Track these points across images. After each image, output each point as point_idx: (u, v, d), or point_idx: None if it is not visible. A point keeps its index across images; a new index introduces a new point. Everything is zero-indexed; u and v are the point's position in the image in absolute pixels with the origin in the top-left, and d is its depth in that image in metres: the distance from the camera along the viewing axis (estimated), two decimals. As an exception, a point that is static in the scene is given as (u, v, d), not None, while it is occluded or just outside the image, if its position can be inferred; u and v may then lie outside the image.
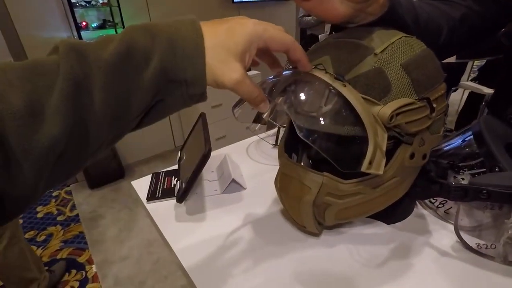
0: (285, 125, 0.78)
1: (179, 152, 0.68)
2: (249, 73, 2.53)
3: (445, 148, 0.54)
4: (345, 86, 0.33)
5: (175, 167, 0.68)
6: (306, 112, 0.35)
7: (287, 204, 0.44)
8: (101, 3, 1.96)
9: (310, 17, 3.04)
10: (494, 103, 0.72)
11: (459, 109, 3.12)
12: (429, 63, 0.37)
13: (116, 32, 2.07)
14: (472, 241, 0.43)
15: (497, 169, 0.44)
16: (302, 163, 0.51)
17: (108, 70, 0.23)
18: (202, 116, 0.63)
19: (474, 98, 2.32)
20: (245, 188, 0.60)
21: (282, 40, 0.30)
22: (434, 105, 0.36)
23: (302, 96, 0.36)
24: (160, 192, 0.58)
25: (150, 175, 0.65)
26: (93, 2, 1.93)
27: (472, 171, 0.48)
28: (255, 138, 0.81)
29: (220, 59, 0.27)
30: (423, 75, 0.35)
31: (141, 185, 0.63)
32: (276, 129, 0.80)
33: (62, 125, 0.21)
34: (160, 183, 0.61)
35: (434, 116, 0.36)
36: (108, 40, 0.24)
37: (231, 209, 0.55)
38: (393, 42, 0.36)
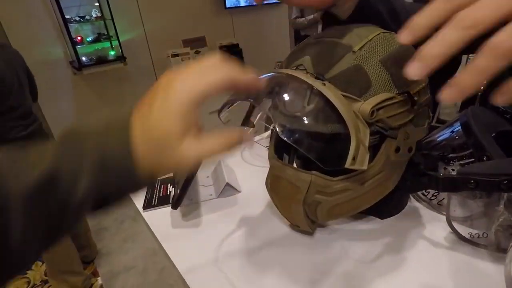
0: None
1: (174, 159, 0.68)
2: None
3: (436, 140, 0.54)
4: (324, 85, 0.33)
5: (171, 174, 0.68)
6: (290, 113, 0.35)
7: (278, 205, 0.45)
8: (95, 17, 1.98)
9: (303, 19, 3.05)
10: (487, 92, 0.72)
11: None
12: (408, 57, 0.37)
13: (111, 45, 2.09)
14: (464, 231, 0.43)
15: (485, 158, 0.44)
16: (294, 164, 0.52)
17: (27, 202, 0.22)
18: (194, 122, 0.64)
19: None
20: (240, 191, 0.60)
21: (219, 85, 0.24)
22: (415, 98, 0.36)
23: (285, 97, 0.36)
24: (156, 200, 0.59)
25: (146, 183, 0.66)
26: (87, 17, 1.96)
27: (462, 162, 0.48)
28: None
29: (166, 154, 0.23)
30: (402, 69, 0.36)
31: (138, 194, 0.63)
32: (270, 131, 0.81)
33: None
34: (156, 191, 0.62)
35: (416, 109, 0.37)
36: (33, 164, 0.23)
37: (226, 213, 0.55)
38: (371, 39, 0.36)
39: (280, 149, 0.49)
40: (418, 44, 0.45)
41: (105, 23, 2.03)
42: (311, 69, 0.36)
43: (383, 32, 0.38)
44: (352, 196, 0.39)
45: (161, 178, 0.67)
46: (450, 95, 0.20)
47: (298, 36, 3.46)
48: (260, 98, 0.39)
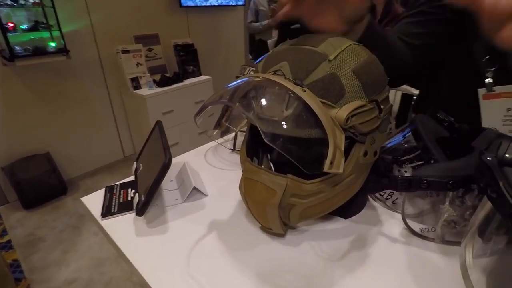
0: (243, 130, 0.79)
1: (135, 162, 0.64)
2: (201, 78, 2.49)
3: (389, 145, 0.60)
4: (304, 91, 0.35)
5: (131, 178, 0.64)
6: (269, 117, 0.36)
7: (253, 208, 0.45)
8: (32, 2, 1.77)
9: (258, 23, 3.12)
10: (419, 103, 0.81)
11: (394, 109, 3.46)
12: (375, 68, 0.41)
13: (52, 35, 1.88)
14: (416, 226, 0.48)
15: (432, 161, 0.50)
16: (263, 166, 0.53)
17: None
18: (159, 124, 0.61)
19: (407, 99, 2.59)
20: (206, 195, 0.59)
21: None
22: (382, 106, 0.39)
23: (265, 101, 0.37)
24: (116, 206, 0.55)
25: (103, 189, 0.61)
26: (21, 1, 1.74)
27: (413, 164, 0.53)
28: (212, 144, 0.81)
29: None
30: (371, 79, 0.39)
31: (93, 200, 0.58)
32: (233, 134, 0.81)
33: None
34: (115, 196, 0.57)
35: (382, 116, 0.40)
36: None
37: (194, 218, 0.53)
38: (343, 49, 0.39)
39: (250, 151, 0.49)
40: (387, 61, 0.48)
41: (44, 10, 1.82)
42: (289, 75, 0.37)
43: (354, 43, 0.41)
44: (325, 198, 0.41)
45: (121, 182, 0.63)
46: None
47: (252, 41, 3.52)
48: (235, 100, 0.39)
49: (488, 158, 0.26)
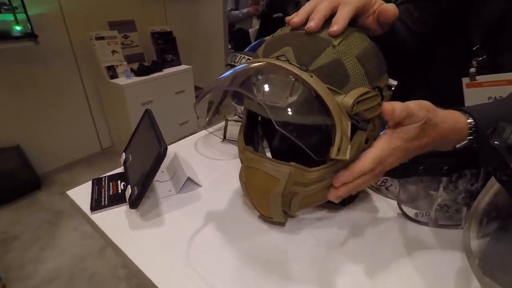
0: (233, 119, 0.78)
1: (123, 153, 0.61)
2: (181, 67, 2.42)
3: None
4: (311, 76, 0.34)
5: (118, 170, 0.61)
6: (273, 103, 0.35)
7: (254, 197, 0.44)
8: (-8, -18, 1.62)
9: (238, 11, 3.05)
10: (398, 92, 0.83)
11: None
12: (376, 55, 0.41)
13: (16, 18, 1.74)
14: (410, 212, 0.50)
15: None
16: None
17: None
18: (149, 112, 0.58)
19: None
20: (200, 186, 0.58)
21: None
22: (384, 94, 0.39)
23: (268, 87, 0.36)
24: (107, 199, 0.52)
25: (89, 182, 0.58)
26: (-20, -19, 1.59)
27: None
28: (202, 133, 0.79)
29: None
30: (373, 66, 0.39)
31: (79, 194, 0.55)
32: (223, 123, 0.79)
33: None
34: (104, 189, 0.55)
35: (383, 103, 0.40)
36: None
37: (190, 209, 0.52)
38: (347, 35, 0.38)
39: (247, 140, 0.48)
40: (381, 40, 0.46)
41: (6, -10, 1.68)
42: (294, 60, 0.36)
43: (355, 30, 0.40)
44: (326, 185, 0.41)
45: (108, 174, 0.60)
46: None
47: (232, 29, 3.44)
48: (239, 86, 0.38)
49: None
